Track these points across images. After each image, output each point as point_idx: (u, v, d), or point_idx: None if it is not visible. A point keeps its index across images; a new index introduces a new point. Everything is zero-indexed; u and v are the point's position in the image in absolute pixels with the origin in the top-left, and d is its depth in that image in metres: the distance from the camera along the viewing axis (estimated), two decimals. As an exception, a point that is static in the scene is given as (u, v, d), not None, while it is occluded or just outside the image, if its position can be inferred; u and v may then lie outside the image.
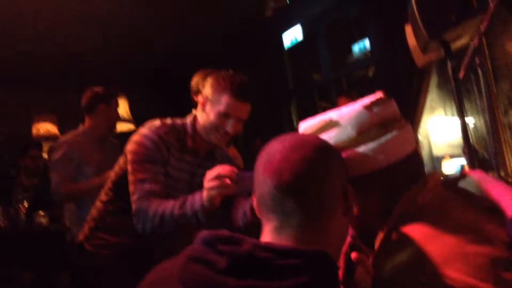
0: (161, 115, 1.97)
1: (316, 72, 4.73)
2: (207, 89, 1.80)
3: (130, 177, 1.75)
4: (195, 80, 2.72)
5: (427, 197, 0.84)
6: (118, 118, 3.19)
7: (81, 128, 3.12)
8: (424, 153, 3.29)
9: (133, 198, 1.71)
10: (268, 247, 0.69)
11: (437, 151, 3.24)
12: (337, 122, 0.90)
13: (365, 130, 0.89)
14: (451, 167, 3.03)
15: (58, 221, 3.08)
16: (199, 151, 1.91)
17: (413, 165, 0.90)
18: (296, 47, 4.65)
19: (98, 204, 2.07)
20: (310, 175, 0.76)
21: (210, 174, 1.52)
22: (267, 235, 0.78)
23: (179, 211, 1.59)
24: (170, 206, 1.62)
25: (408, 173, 0.88)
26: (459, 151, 3.16)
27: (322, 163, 0.79)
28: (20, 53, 4.66)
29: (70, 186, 2.84)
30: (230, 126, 1.77)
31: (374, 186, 0.88)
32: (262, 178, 0.78)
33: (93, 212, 2.08)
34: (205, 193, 1.54)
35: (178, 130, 1.87)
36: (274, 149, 0.81)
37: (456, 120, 3.35)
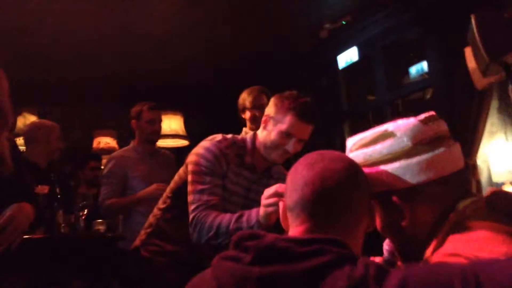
0: (215, 132, 2.03)
1: (371, 93, 4.68)
2: (271, 108, 1.85)
3: (189, 187, 1.82)
4: (242, 97, 2.80)
5: (473, 210, 0.86)
6: (153, 133, 3.29)
7: (131, 143, 3.31)
8: (483, 179, 3.17)
9: (191, 208, 1.77)
10: (288, 238, 0.76)
11: (496, 177, 3.11)
12: (392, 132, 0.93)
13: (420, 142, 0.91)
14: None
15: (115, 230, 3.22)
16: (257, 167, 1.96)
17: (463, 181, 0.93)
18: (351, 68, 4.64)
19: (155, 211, 2.15)
20: (350, 183, 0.85)
21: (268, 191, 1.55)
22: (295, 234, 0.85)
23: (234, 224, 1.63)
24: (226, 219, 1.66)
25: (458, 187, 0.91)
26: (521, 178, 3.02)
27: (358, 176, 0.88)
28: (85, 73, 4.95)
29: (112, 201, 3.01)
30: (291, 146, 1.80)
31: (425, 197, 0.90)
32: (303, 183, 0.85)
33: (151, 218, 2.16)
34: (262, 210, 1.57)
35: (238, 146, 1.92)
36: (314, 159, 0.89)
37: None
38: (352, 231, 0.85)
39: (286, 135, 1.78)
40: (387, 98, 4.27)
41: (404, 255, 0.95)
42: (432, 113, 0.96)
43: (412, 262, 0.87)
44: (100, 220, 2.89)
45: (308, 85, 5.00)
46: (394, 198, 0.92)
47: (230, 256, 0.78)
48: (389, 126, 0.95)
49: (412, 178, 0.90)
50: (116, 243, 2.97)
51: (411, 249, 0.92)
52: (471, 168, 2.97)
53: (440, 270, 0.68)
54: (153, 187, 2.95)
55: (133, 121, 3.27)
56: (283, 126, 1.77)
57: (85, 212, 2.76)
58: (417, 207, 0.92)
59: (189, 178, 1.84)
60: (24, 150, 3.27)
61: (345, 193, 0.84)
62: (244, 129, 2.73)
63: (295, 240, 0.76)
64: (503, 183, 2.99)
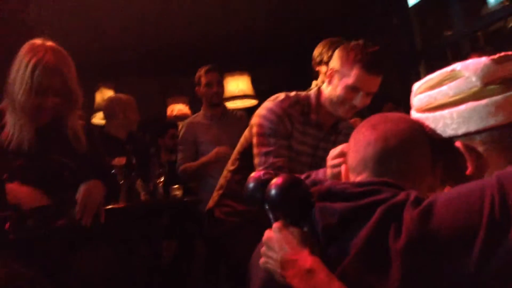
0: (284, 90, 1.99)
1: (447, 29, 4.35)
2: (335, 61, 1.75)
3: (255, 150, 1.82)
4: (318, 50, 2.66)
5: None
6: (213, 95, 3.30)
7: (201, 109, 3.38)
8: None
9: (257, 168, 1.77)
10: (343, 182, 0.85)
11: None
12: (460, 72, 0.86)
13: (490, 82, 0.83)
14: None
15: (193, 193, 3.35)
16: (323, 124, 1.90)
17: None
18: (423, 2, 4.32)
19: (225, 173, 2.19)
20: (412, 144, 0.86)
21: (334, 151, 1.51)
22: None
23: None
24: None
25: None
26: None
27: (420, 137, 0.88)
28: (154, 42, 5.06)
29: (185, 166, 3.13)
30: (358, 100, 1.71)
31: (494, 143, 0.83)
32: (366, 143, 0.88)
33: (221, 180, 2.21)
34: (328, 171, 1.53)
35: (302, 104, 1.87)
36: (377, 121, 0.90)
37: None
38: (413, 188, 0.84)
39: (353, 89, 1.69)
40: (465, 32, 3.94)
41: None
42: (509, 52, 0.86)
43: None
44: (176, 186, 3.01)
45: (378, 26, 4.75)
46: (458, 144, 0.84)
47: None
48: (457, 66, 0.87)
49: (479, 122, 0.83)
50: (194, 206, 3.09)
51: None
52: None
53: (466, 186, 0.71)
54: (215, 151, 3.04)
55: (196, 88, 3.34)
56: (349, 80, 1.68)
57: (162, 179, 2.88)
58: (484, 154, 0.84)
59: (254, 140, 1.84)
60: (105, 125, 3.46)
61: (407, 154, 0.84)
62: (313, 82, 2.63)
63: (351, 183, 0.82)
64: None
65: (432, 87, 0.90)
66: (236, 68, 4.53)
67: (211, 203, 2.26)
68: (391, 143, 0.85)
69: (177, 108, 5.03)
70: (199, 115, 3.40)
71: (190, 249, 3.27)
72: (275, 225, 0.85)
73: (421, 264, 0.67)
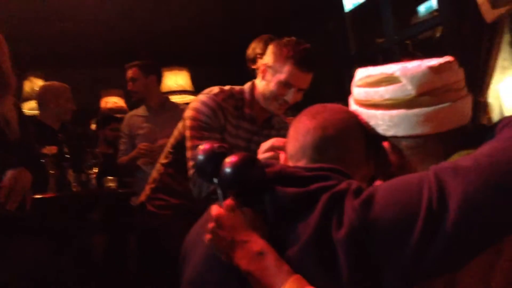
0: (224, 85, 1.99)
1: (379, 36, 4.56)
2: (268, 57, 1.78)
3: (188, 143, 1.80)
4: (252, 47, 2.70)
5: None
6: (131, 92, 3.26)
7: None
8: (495, 116, 3.13)
9: (190, 164, 1.76)
10: (294, 166, 0.86)
11: (508, 113, 3.06)
12: (398, 78, 0.88)
13: (424, 92, 0.86)
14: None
15: (128, 187, 3.29)
16: (256, 118, 1.92)
17: (462, 138, 0.87)
18: (358, 9, 4.50)
19: (158, 166, 2.17)
20: (349, 133, 0.89)
21: (264, 145, 1.54)
22: None
23: None
24: None
25: (455, 143, 0.86)
26: (533, 112, 2.96)
27: (356, 127, 0.91)
28: (87, 34, 4.89)
29: (120, 160, 3.11)
30: (290, 96, 1.74)
31: (417, 150, 0.88)
32: (305, 131, 0.90)
33: (154, 174, 2.18)
34: None
35: (236, 98, 1.88)
36: (316, 110, 0.93)
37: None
38: (352, 172, 0.88)
39: (285, 85, 1.72)
40: (396, 40, 4.16)
41: None
42: (450, 59, 0.89)
43: None
44: (111, 177, 2.94)
45: (313, 30, 4.88)
46: (384, 144, 0.90)
47: None
48: (397, 70, 0.89)
49: (407, 129, 0.87)
50: (127, 199, 3.03)
51: None
52: (482, 105, 2.92)
53: (405, 178, 0.74)
54: (137, 149, 3.02)
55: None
56: (281, 76, 1.71)
57: (95, 170, 2.80)
58: (407, 157, 0.89)
59: (187, 133, 1.82)
60: (38, 113, 3.31)
61: (344, 142, 0.88)
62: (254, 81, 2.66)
63: (301, 167, 0.83)
64: (515, 119, 2.94)
65: (370, 85, 0.92)
66: (175, 64, 4.48)
67: (143, 196, 2.23)
68: (329, 131, 0.87)
69: (112, 101, 4.89)
70: (141, 108, 3.34)
71: (123, 243, 3.20)
72: (228, 203, 0.84)
73: (364, 254, 0.68)
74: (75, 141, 3.23)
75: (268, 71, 1.76)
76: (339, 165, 0.85)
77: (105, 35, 5.00)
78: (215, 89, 1.88)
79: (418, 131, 0.86)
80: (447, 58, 0.89)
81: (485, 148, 0.73)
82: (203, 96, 1.86)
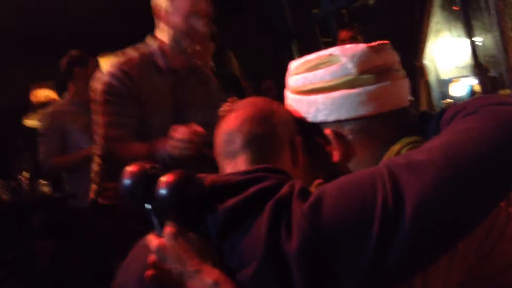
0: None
1: (315, 7, 4.55)
2: (163, 1, 1.66)
3: (97, 119, 1.66)
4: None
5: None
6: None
7: (66, 96, 3.07)
8: (431, 78, 3.21)
9: (101, 142, 1.64)
10: (226, 174, 0.79)
11: (444, 74, 3.15)
12: (337, 57, 0.84)
13: (365, 71, 0.82)
14: (459, 89, 2.95)
15: (62, 188, 3.09)
16: (175, 68, 1.76)
17: (405, 119, 0.84)
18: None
19: (96, 159, 2.03)
20: (254, 119, 0.83)
21: (181, 131, 1.46)
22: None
23: (146, 153, 1.52)
24: (136, 150, 1.56)
25: (399, 127, 0.83)
26: (466, 72, 3.06)
27: (268, 113, 0.85)
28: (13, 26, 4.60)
29: (56, 160, 2.81)
30: (200, 26, 1.66)
31: (361, 133, 0.83)
32: (234, 127, 0.84)
33: (95, 167, 2.05)
34: (168, 149, 1.48)
35: (145, 55, 1.75)
36: (244, 104, 0.88)
37: (463, 41, 3.24)
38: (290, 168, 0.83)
39: (190, 16, 1.63)
40: (331, 9, 4.16)
41: None
42: (385, 42, 0.86)
43: None
44: (44, 182, 2.75)
45: (251, 8, 4.81)
46: (327, 131, 0.85)
47: None
48: (335, 50, 0.85)
49: (350, 111, 0.82)
50: (67, 201, 2.87)
51: None
52: (419, 69, 2.98)
53: (355, 175, 0.69)
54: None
55: (78, 69, 3.00)
56: (183, 9, 1.62)
57: (26, 175, 2.62)
58: (352, 143, 0.84)
59: (95, 108, 1.68)
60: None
61: (276, 138, 0.83)
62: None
63: (233, 173, 0.76)
64: (450, 80, 3.03)
65: (309, 70, 0.87)
66: (109, 50, 4.29)
67: (92, 194, 2.10)
68: (258, 126, 0.82)
69: (44, 94, 4.62)
70: (65, 103, 3.08)
71: (69, 247, 3.05)
72: (169, 230, 0.72)
73: (320, 264, 0.62)
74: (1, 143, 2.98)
75: (168, 13, 1.66)
76: (275, 164, 0.79)
77: (33, 28, 4.72)
78: (119, 57, 1.73)
79: (361, 111, 0.82)
80: (383, 41, 0.86)
81: (439, 141, 0.69)
82: (107, 67, 1.69)
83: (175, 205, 0.70)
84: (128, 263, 0.83)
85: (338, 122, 0.83)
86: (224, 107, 1.80)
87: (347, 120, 0.83)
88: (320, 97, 0.85)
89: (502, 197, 0.66)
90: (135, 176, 0.75)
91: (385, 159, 0.80)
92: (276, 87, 3.69)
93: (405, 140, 0.80)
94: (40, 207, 2.74)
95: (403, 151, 0.79)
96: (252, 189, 0.69)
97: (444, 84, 3.16)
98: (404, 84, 0.87)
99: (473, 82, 2.94)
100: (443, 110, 0.81)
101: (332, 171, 0.85)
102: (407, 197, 0.61)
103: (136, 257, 0.81)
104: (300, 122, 0.87)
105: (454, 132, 0.70)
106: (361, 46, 0.83)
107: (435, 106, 3.22)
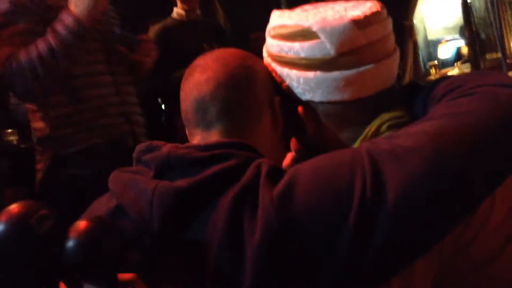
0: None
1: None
2: None
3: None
4: None
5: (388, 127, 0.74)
6: None
7: None
8: (420, 38, 3.20)
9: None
10: (187, 145, 0.66)
11: (432, 35, 3.13)
12: (315, 33, 0.73)
13: (346, 52, 0.73)
14: (447, 50, 2.94)
15: (28, 138, 2.97)
16: None
17: (386, 99, 0.76)
18: None
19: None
20: (230, 83, 0.72)
21: None
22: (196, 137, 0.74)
23: (54, 40, 1.31)
24: (41, 44, 1.33)
25: (377, 109, 0.75)
26: (455, 33, 3.04)
27: (244, 73, 0.73)
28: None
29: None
30: None
31: (334, 116, 0.76)
32: (184, 94, 0.74)
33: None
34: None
35: None
36: (196, 64, 0.75)
37: (453, 1, 3.19)
38: (256, 135, 0.74)
39: None
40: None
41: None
42: (377, 7, 0.75)
43: None
44: (10, 131, 2.60)
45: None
46: (299, 109, 0.77)
47: (132, 170, 0.67)
48: (314, 24, 0.74)
49: (324, 95, 0.74)
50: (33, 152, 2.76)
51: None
52: (408, 29, 2.94)
53: (333, 158, 0.60)
54: None
55: None
56: None
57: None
58: (323, 124, 0.77)
59: None
60: None
61: (246, 102, 0.73)
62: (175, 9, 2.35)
63: (195, 146, 0.65)
64: (438, 41, 3.02)
65: (284, 38, 0.77)
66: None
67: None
68: (227, 87, 0.72)
69: None
70: None
71: (36, 195, 2.96)
72: None
73: (282, 262, 0.55)
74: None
75: None
76: (242, 133, 0.71)
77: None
78: None
79: (337, 97, 0.74)
80: (374, 7, 0.75)
81: (429, 125, 0.62)
82: None
83: (86, 266, 0.51)
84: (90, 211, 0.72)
85: (311, 102, 0.76)
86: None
87: (321, 103, 0.76)
88: (294, 74, 0.77)
89: (491, 191, 0.60)
90: (11, 226, 0.48)
91: (361, 138, 0.74)
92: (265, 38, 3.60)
93: (385, 116, 0.73)
94: (7, 156, 2.62)
95: (383, 128, 0.73)
96: (212, 169, 0.60)
97: (432, 44, 3.13)
98: (391, 63, 0.77)
99: (461, 44, 2.95)
100: (433, 84, 0.73)
101: (305, 141, 0.81)
102: (388, 189, 0.55)
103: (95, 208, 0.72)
104: (276, 83, 0.78)
105: (446, 117, 0.63)
106: (344, 21, 0.73)
107: (422, 67, 3.21)
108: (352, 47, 0.72)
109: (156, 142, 0.67)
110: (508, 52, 2.46)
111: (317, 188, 0.56)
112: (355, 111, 0.75)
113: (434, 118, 0.63)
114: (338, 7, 0.76)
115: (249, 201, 0.57)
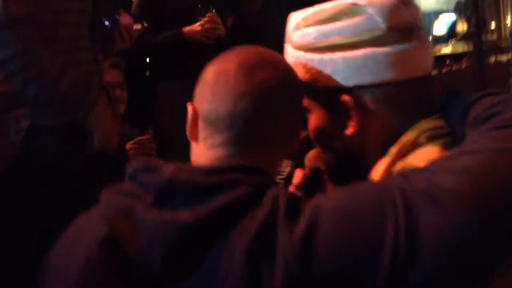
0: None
1: None
2: None
3: None
4: None
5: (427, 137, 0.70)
6: None
7: None
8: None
9: None
10: (190, 167, 0.61)
11: (425, 6, 3.08)
12: (363, 8, 0.70)
13: (396, 26, 0.69)
14: (441, 26, 2.92)
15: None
16: None
17: (430, 89, 0.73)
18: None
19: None
20: (267, 106, 0.64)
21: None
22: (204, 153, 0.66)
23: None
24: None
25: (423, 97, 0.72)
26: (449, 6, 3.00)
27: (282, 94, 0.66)
28: None
29: None
30: None
31: (386, 101, 0.71)
32: (240, 94, 0.64)
33: None
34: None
35: None
36: (253, 63, 0.66)
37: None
38: (276, 157, 0.70)
39: None
40: None
41: (336, 174, 0.78)
42: None
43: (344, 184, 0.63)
44: None
45: None
46: (345, 98, 0.70)
47: (127, 192, 0.61)
48: (361, 0, 0.70)
49: (375, 74, 0.69)
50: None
51: (348, 167, 0.74)
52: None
53: (359, 195, 0.55)
54: None
55: None
56: None
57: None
58: (372, 113, 0.71)
59: None
60: None
61: (280, 114, 0.66)
62: None
63: (199, 169, 0.59)
64: (434, 15, 2.98)
65: (324, 22, 0.72)
66: None
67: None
68: (269, 99, 0.64)
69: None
70: None
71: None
72: None
73: None
74: None
75: None
76: (263, 150, 0.65)
77: None
78: None
79: (389, 75, 0.69)
80: None
81: (469, 161, 0.57)
82: None
83: None
84: (68, 245, 0.64)
85: (358, 88, 0.70)
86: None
87: (370, 86, 0.70)
88: (338, 56, 0.71)
89: None
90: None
91: (395, 149, 0.68)
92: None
93: (423, 125, 0.69)
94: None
95: (421, 139, 0.68)
96: (219, 199, 0.55)
97: (428, 17, 3.09)
98: (430, 46, 0.78)
99: (454, 17, 2.93)
100: (475, 99, 0.68)
101: (342, 148, 0.74)
102: (424, 238, 0.51)
103: (77, 240, 0.63)
104: (305, 87, 0.72)
105: (489, 152, 0.58)
106: None
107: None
108: (400, 22, 0.70)
109: (154, 162, 0.60)
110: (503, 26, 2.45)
111: (341, 233, 0.51)
112: (406, 95, 0.70)
113: (477, 151, 0.58)
114: None
115: (267, 243, 0.52)
